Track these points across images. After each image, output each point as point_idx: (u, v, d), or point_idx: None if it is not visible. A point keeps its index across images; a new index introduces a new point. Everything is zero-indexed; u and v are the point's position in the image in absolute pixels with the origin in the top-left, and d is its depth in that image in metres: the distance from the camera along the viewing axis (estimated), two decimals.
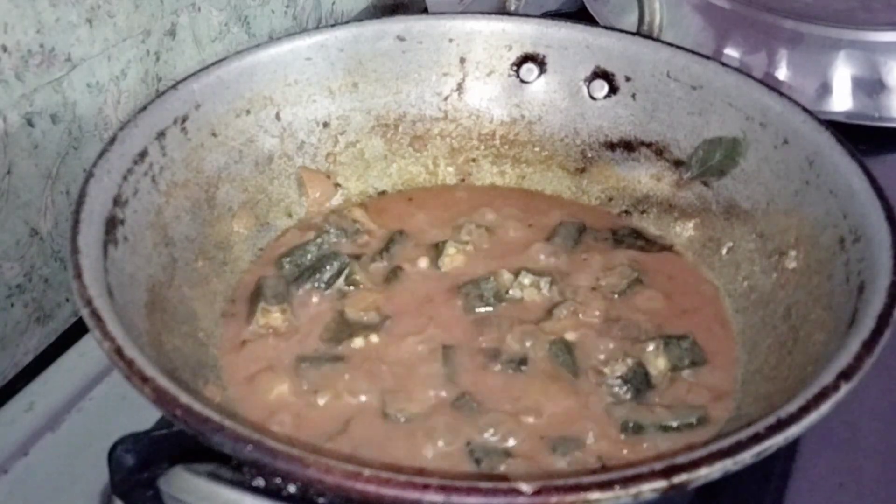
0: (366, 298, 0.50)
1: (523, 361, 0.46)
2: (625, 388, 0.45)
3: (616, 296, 0.50)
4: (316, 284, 0.51)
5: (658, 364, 0.46)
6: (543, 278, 0.50)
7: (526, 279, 0.50)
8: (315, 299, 0.50)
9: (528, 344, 0.47)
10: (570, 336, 0.47)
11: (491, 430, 0.42)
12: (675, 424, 0.43)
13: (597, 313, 0.49)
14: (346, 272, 0.51)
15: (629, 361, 0.45)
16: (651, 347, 0.46)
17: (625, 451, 0.42)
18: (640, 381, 0.45)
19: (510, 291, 0.50)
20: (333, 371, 0.45)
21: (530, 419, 0.43)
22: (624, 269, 0.52)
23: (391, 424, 0.43)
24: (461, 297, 0.50)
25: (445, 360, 0.46)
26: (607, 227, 0.56)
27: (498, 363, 0.46)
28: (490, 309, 0.49)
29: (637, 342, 0.47)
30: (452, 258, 0.52)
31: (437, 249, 0.53)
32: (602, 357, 0.46)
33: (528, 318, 0.49)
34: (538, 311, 0.49)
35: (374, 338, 0.47)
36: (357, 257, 0.53)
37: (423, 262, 0.52)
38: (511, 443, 0.42)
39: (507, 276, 0.50)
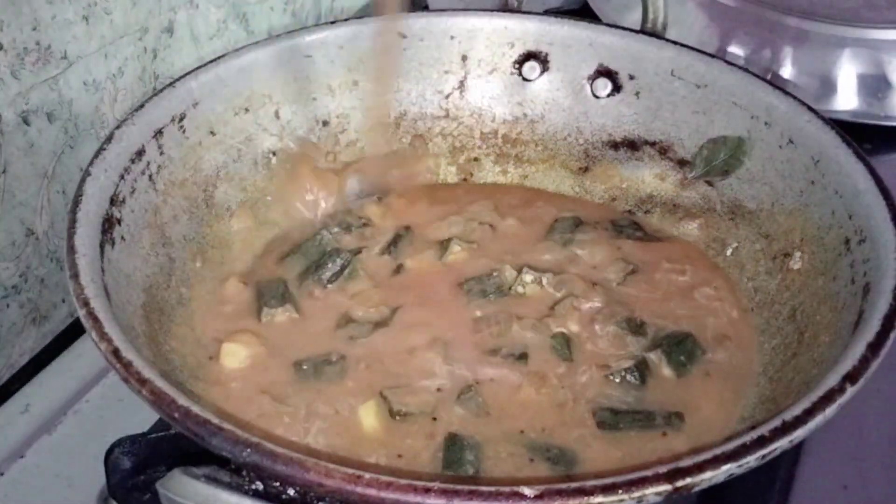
0: (370, 295, 0.50)
1: (524, 356, 0.46)
2: (624, 384, 0.44)
3: (616, 293, 0.50)
4: (318, 282, 0.50)
5: (658, 363, 0.46)
6: (546, 274, 0.50)
7: (528, 276, 0.50)
8: (318, 297, 0.50)
9: (529, 339, 0.47)
10: (570, 331, 0.47)
11: (491, 426, 0.42)
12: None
13: (598, 309, 0.49)
14: (349, 269, 0.51)
15: (629, 359, 0.45)
16: (651, 346, 0.46)
17: (621, 452, 0.41)
18: (639, 379, 0.45)
19: (513, 287, 0.50)
20: (336, 368, 0.45)
21: (529, 414, 0.43)
22: (623, 265, 0.52)
23: (394, 419, 0.42)
24: (464, 292, 0.50)
25: (448, 354, 0.46)
26: (608, 220, 0.56)
27: (499, 357, 0.46)
28: (493, 305, 0.49)
29: (637, 340, 0.47)
30: (456, 255, 0.52)
31: (440, 246, 0.53)
32: (602, 352, 0.46)
33: (530, 313, 0.49)
34: (540, 307, 0.49)
35: (378, 333, 0.47)
36: (359, 253, 0.52)
37: (428, 259, 0.52)
38: (511, 439, 0.42)
39: (510, 272, 0.50)
